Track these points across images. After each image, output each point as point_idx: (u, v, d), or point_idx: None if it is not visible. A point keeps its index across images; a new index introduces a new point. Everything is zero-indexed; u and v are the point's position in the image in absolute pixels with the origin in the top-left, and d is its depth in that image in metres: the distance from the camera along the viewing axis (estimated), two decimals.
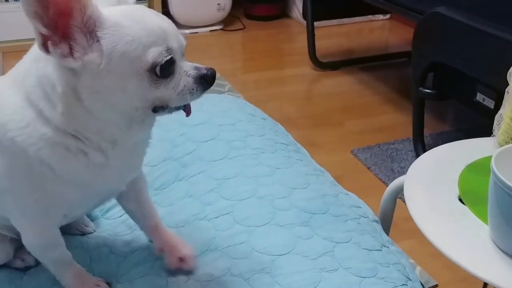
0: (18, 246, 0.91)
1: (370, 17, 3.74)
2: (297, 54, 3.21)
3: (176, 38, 0.71)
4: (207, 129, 1.19)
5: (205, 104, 1.30)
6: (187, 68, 0.72)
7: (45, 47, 0.65)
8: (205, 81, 0.73)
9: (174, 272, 0.85)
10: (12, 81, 0.73)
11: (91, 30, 0.66)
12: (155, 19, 0.70)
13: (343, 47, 3.46)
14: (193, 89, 0.72)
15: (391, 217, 1.12)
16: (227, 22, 3.64)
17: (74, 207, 0.81)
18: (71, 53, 0.66)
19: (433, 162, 1.05)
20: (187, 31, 3.50)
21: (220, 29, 3.59)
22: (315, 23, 2.96)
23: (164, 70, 0.69)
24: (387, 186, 2.00)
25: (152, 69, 0.68)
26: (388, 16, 3.79)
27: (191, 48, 3.73)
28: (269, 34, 3.59)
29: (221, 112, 1.27)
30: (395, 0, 2.30)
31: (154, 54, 0.67)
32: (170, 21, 0.72)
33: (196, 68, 0.73)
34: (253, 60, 3.26)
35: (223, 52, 3.37)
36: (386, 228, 1.08)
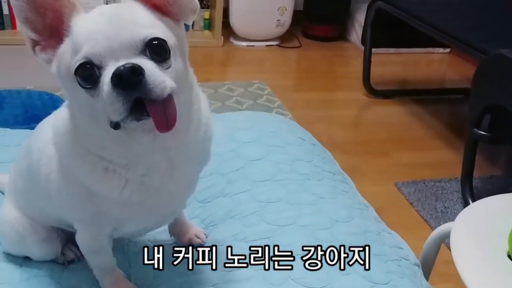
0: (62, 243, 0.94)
1: (429, 49, 3.67)
2: (351, 78, 3.19)
3: (109, 40, 0.61)
4: (257, 148, 1.19)
5: (257, 122, 1.31)
6: (111, 72, 0.60)
7: (33, 51, 0.67)
8: (120, 83, 0.59)
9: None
10: None
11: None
12: (91, 22, 0.64)
13: (398, 77, 3.41)
14: (110, 96, 0.60)
15: (433, 263, 1.08)
16: (284, 39, 3.66)
17: (122, 223, 0.82)
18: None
19: (484, 212, 1.02)
20: (243, 43, 3.54)
21: (277, 45, 3.61)
22: (372, 49, 2.94)
23: (83, 78, 0.62)
24: (429, 224, 1.95)
25: (75, 79, 0.63)
26: (448, 50, 3.71)
27: (245, 61, 3.74)
28: (324, 55, 3.58)
29: (272, 132, 1.27)
30: (460, 37, 2.26)
31: (73, 63, 0.62)
32: (115, 21, 0.63)
33: (116, 69, 0.60)
34: (306, 79, 3.26)
35: (277, 68, 3.38)
36: (427, 273, 1.05)
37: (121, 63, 0.60)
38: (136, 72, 0.59)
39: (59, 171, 0.76)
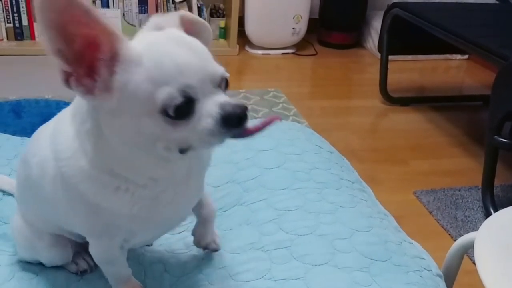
0: (75, 251, 0.94)
1: (447, 55, 3.63)
2: (367, 86, 3.16)
3: (200, 73, 0.62)
4: (273, 156, 1.18)
5: (274, 131, 1.30)
6: (210, 106, 0.62)
7: (67, 83, 0.61)
8: (229, 123, 0.61)
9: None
10: (72, 109, 0.73)
11: (113, 65, 0.61)
12: (175, 52, 0.62)
13: (416, 84, 3.37)
14: (214, 132, 0.61)
15: (456, 273, 1.05)
16: (300, 47, 3.65)
17: (133, 234, 0.81)
18: (93, 89, 0.62)
19: (508, 221, 0.99)
20: (259, 51, 3.54)
21: (292, 53, 3.61)
22: (389, 56, 2.91)
23: (179, 111, 0.61)
24: (449, 233, 1.91)
25: (164, 111, 0.60)
26: (466, 56, 3.67)
27: (260, 69, 3.73)
28: (340, 62, 3.56)
29: (289, 141, 1.25)
30: (479, 42, 2.22)
31: (164, 96, 0.60)
32: (198, 52, 0.63)
33: (222, 107, 0.62)
34: (321, 87, 3.24)
35: (293, 76, 3.37)
36: (449, 285, 1.02)
37: (215, 97, 0.62)
38: (244, 111, 0.62)
39: (65, 189, 0.74)
